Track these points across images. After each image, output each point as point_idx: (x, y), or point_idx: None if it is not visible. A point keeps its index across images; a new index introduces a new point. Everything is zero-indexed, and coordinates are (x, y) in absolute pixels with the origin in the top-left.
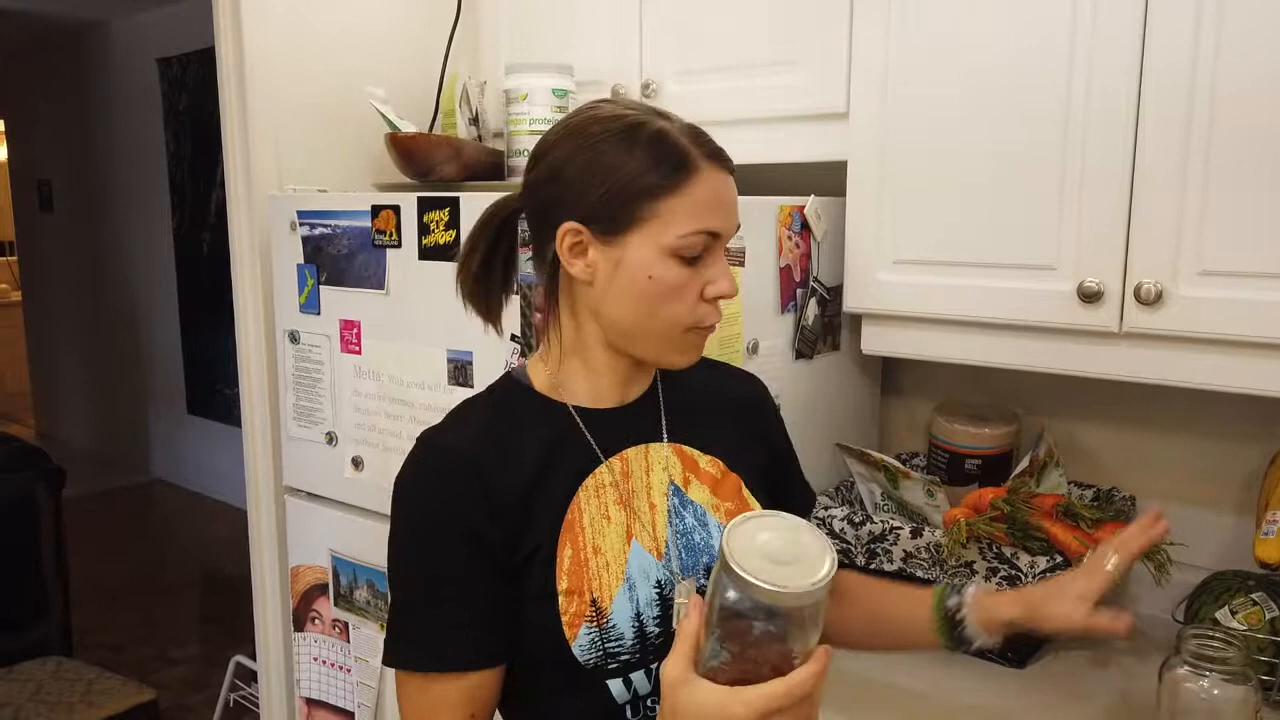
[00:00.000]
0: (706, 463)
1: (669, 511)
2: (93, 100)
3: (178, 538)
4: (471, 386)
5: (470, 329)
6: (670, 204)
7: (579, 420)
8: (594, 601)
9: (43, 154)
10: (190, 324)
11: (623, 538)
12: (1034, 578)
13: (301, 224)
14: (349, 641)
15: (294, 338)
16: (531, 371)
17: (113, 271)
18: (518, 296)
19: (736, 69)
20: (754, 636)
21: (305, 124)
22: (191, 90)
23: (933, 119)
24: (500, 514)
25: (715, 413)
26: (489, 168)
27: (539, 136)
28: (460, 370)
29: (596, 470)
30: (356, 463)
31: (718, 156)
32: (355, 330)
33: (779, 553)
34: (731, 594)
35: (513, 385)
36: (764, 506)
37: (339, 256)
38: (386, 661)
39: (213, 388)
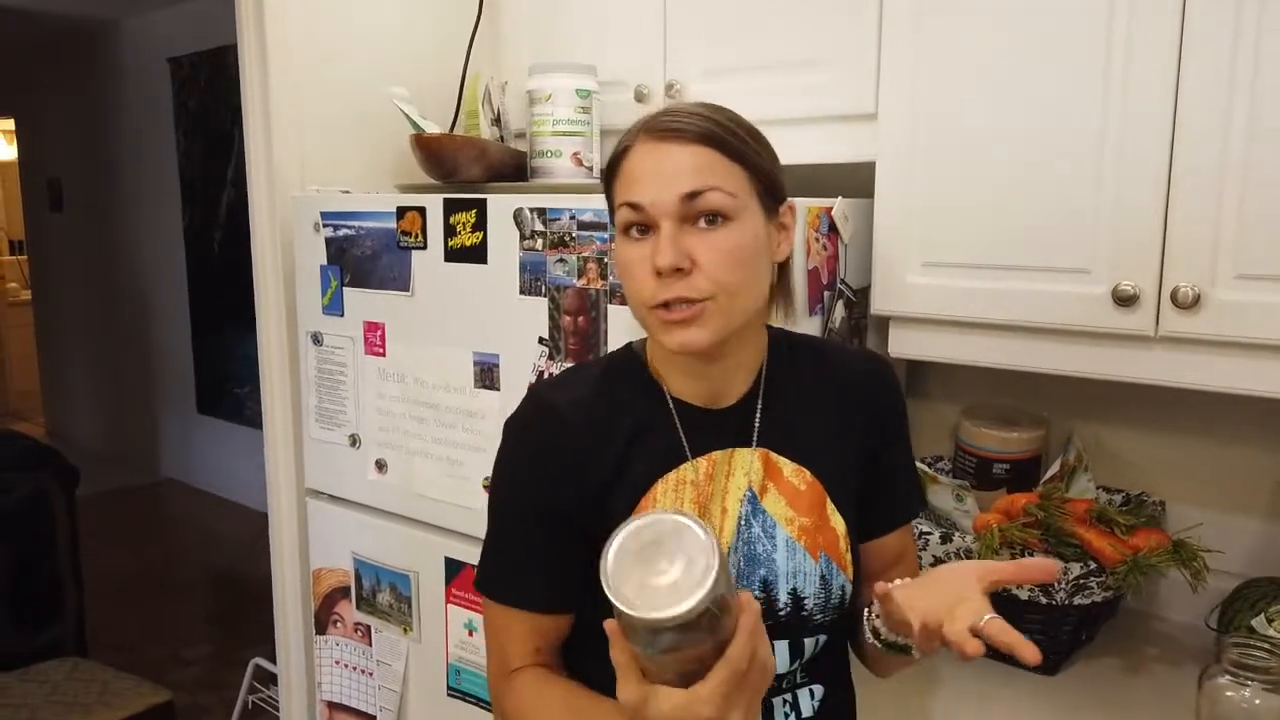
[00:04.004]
0: (791, 472)
1: (739, 518)
2: (103, 99)
3: (187, 537)
4: (498, 389)
5: (497, 331)
6: (616, 185)
7: (675, 411)
8: None
9: (53, 153)
10: (201, 323)
11: None
12: (1068, 584)
13: (325, 225)
14: (371, 645)
15: (317, 339)
16: (648, 347)
17: (123, 271)
18: (546, 299)
19: (763, 69)
20: (674, 644)
21: (327, 124)
22: (202, 90)
23: (964, 119)
24: (584, 480)
25: (818, 413)
26: (512, 169)
27: (562, 137)
28: (487, 373)
29: (680, 466)
30: (380, 465)
31: (657, 129)
32: (379, 332)
33: (656, 562)
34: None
35: (629, 358)
36: (849, 521)
37: (363, 258)
38: (475, 583)
39: (223, 387)
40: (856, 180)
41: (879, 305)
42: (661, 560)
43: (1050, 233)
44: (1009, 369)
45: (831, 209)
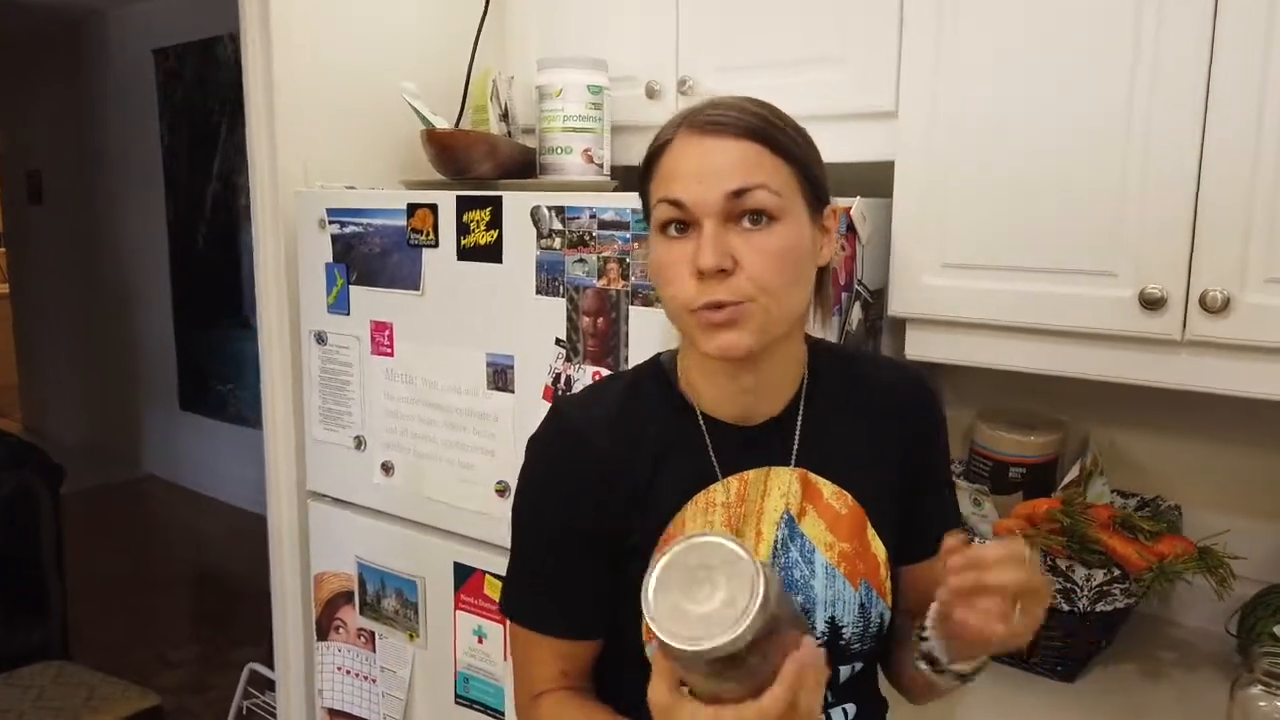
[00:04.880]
0: (831, 494)
1: (775, 542)
2: (87, 91)
3: (171, 536)
4: (512, 392)
5: (511, 332)
6: (654, 181)
7: (705, 429)
8: None
9: (33, 145)
10: (184, 319)
11: None
12: (1090, 591)
13: (331, 222)
14: (375, 651)
15: (321, 338)
16: (678, 361)
17: (104, 264)
18: (564, 299)
19: (780, 65)
20: (703, 671)
21: (330, 119)
22: (188, 82)
23: (986, 117)
24: (609, 502)
25: (858, 431)
26: (521, 165)
27: (573, 133)
28: (500, 374)
29: (711, 487)
30: (386, 468)
31: (700, 124)
32: (387, 332)
33: (700, 587)
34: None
35: (657, 371)
36: (889, 546)
37: (371, 256)
38: (500, 608)
39: (206, 384)
40: (874, 180)
41: (896, 307)
42: (705, 586)
43: (1075, 234)
44: (1027, 372)
45: (850, 209)
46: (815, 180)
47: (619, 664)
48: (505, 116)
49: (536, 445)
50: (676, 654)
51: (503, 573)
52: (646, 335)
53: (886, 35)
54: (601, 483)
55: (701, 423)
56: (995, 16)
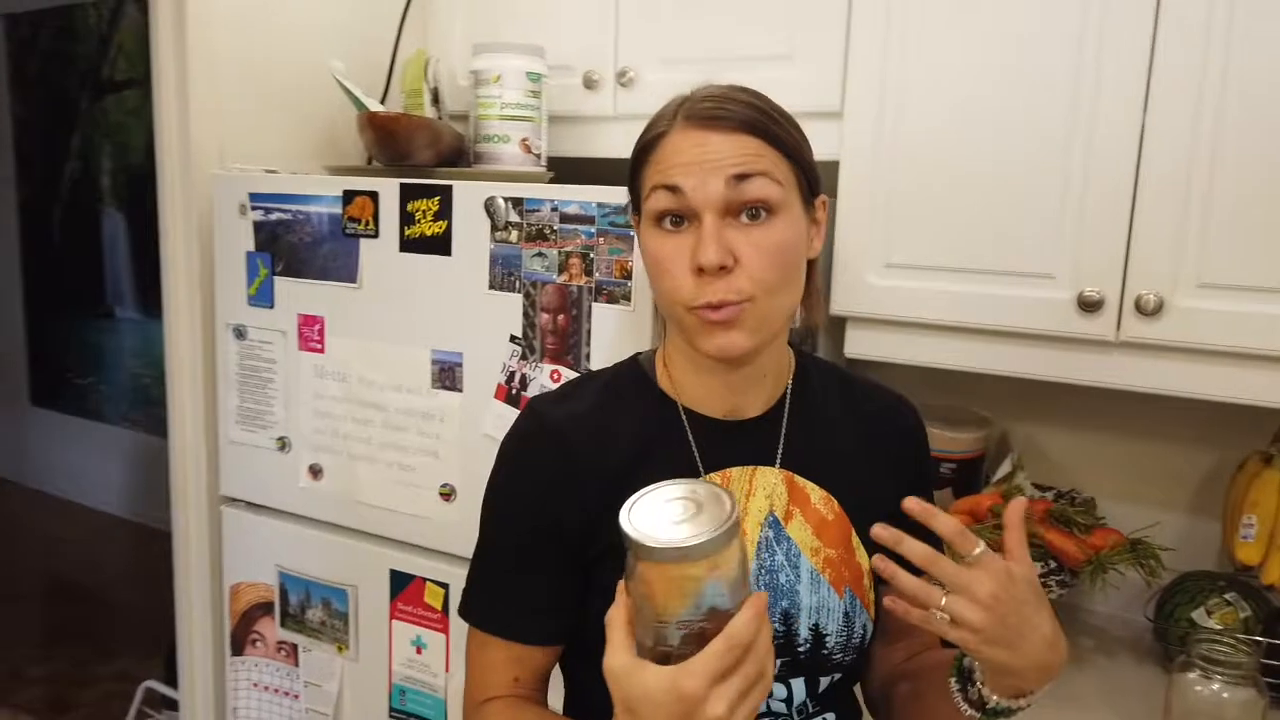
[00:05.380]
0: (819, 499)
1: (759, 544)
2: None
3: (22, 543)
4: (460, 390)
5: (460, 328)
6: (648, 171)
7: (686, 423)
8: None
9: None
10: (37, 307)
11: None
12: None
13: (254, 208)
14: (298, 665)
15: (240, 333)
16: (657, 359)
17: None
18: (520, 295)
19: (725, 61)
20: (683, 606)
21: (248, 97)
22: (44, 53)
23: (932, 121)
24: (583, 502)
25: (849, 441)
26: (458, 153)
27: (510, 121)
28: (447, 372)
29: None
30: (315, 471)
31: (699, 115)
32: (317, 326)
33: (672, 516)
34: (648, 571)
35: (634, 369)
36: (872, 555)
37: (299, 245)
38: (458, 609)
39: (63, 377)
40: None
41: (838, 305)
42: (682, 509)
43: (1016, 238)
44: (967, 371)
45: None
46: (810, 172)
47: (588, 669)
48: (437, 101)
49: (511, 443)
50: (661, 555)
51: (446, 580)
52: (610, 333)
53: (834, 36)
54: (578, 479)
55: (683, 417)
56: (942, 22)
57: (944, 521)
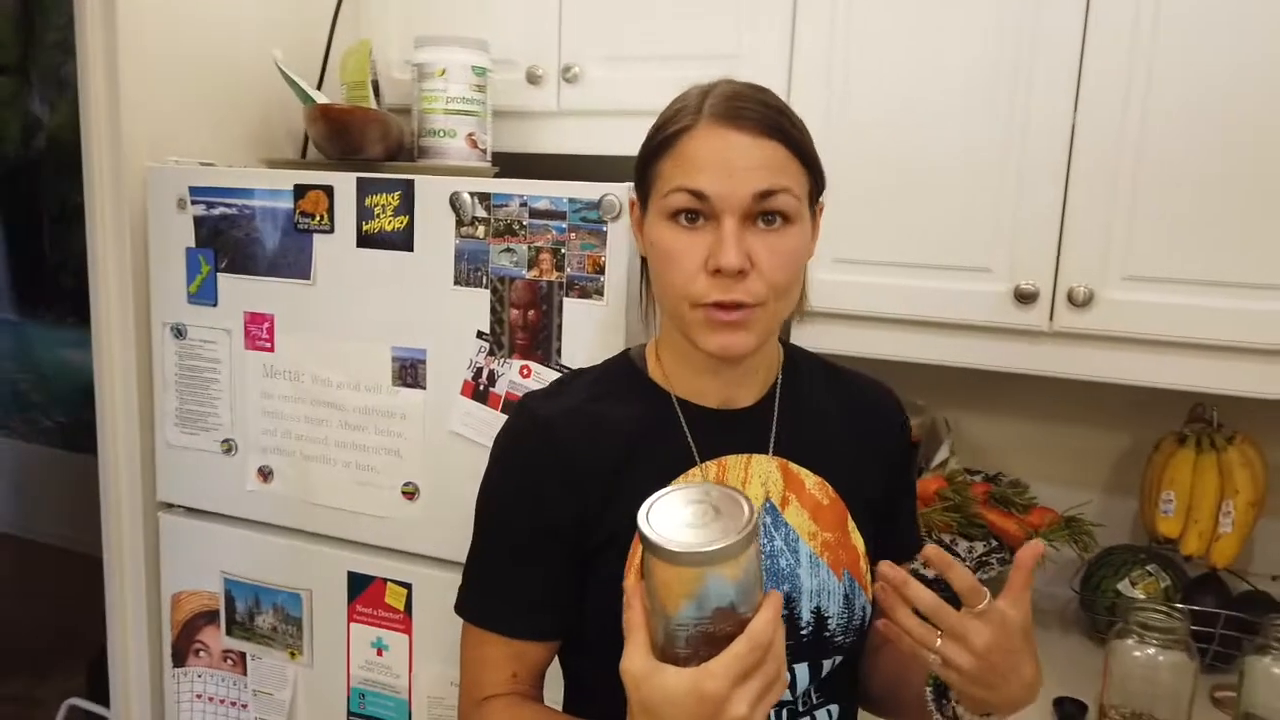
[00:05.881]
0: (813, 485)
1: None
2: None
3: None
4: (423, 387)
5: (424, 324)
6: (665, 164)
7: (680, 414)
8: None
9: None
10: None
11: None
12: (972, 562)
13: (195, 202)
14: (245, 674)
15: (179, 332)
16: (647, 352)
17: None
18: (487, 290)
19: (671, 59)
20: (702, 609)
21: (175, 88)
22: None
23: (875, 121)
24: (580, 494)
25: (837, 430)
26: (402, 147)
27: (456, 116)
28: (409, 370)
29: (689, 471)
30: (264, 473)
31: (725, 114)
32: (266, 324)
33: (691, 519)
34: (666, 574)
35: (625, 362)
36: (869, 543)
37: (246, 241)
38: (454, 606)
39: None
40: None
41: None
42: (701, 513)
43: (956, 234)
44: (908, 362)
45: None
46: (820, 178)
47: (588, 664)
48: (377, 93)
49: (504, 441)
50: (681, 559)
51: (409, 580)
52: (583, 328)
53: (780, 35)
54: (573, 473)
55: (678, 407)
56: (885, 25)
57: (960, 575)
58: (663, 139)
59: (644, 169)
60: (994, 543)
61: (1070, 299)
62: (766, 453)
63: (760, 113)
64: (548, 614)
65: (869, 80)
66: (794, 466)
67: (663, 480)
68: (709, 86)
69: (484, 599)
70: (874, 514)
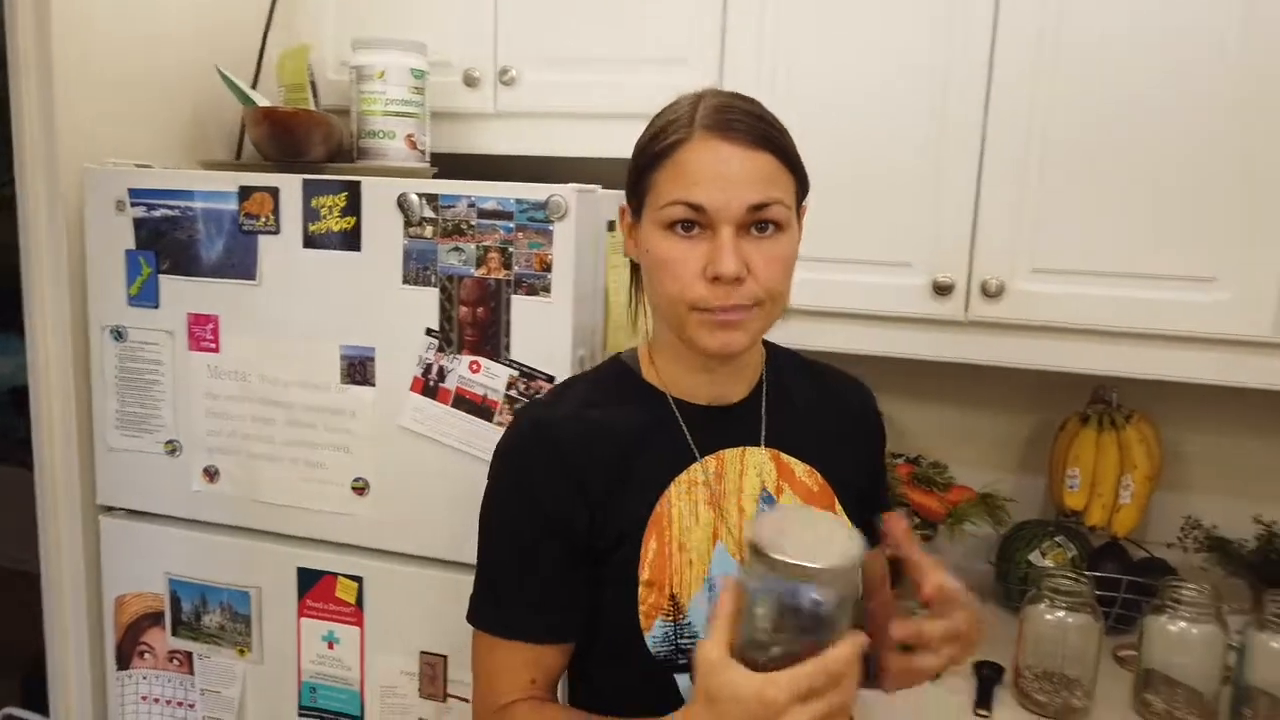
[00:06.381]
0: (803, 473)
1: (756, 517)
2: None
3: None
4: (373, 384)
5: (373, 323)
6: (660, 175)
7: (677, 413)
8: (673, 597)
9: None
10: None
11: (708, 538)
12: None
13: (135, 204)
14: (192, 674)
15: (119, 334)
16: (640, 356)
17: None
18: (436, 289)
19: (608, 62)
20: (788, 623)
21: (116, 87)
22: None
23: (802, 126)
24: (586, 496)
25: (821, 421)
26: (342, 149)
27: (395, 118)
28: (358, 367)
29: (690, 467)
30: (210, 473)
31: (718, 126)
32: (210, 325)
33: (803, 539)
34: (767, 581)
35: (618, 366)
36: (855, 524)
37: (189, 242)
38: (467, 617)
39: None
40: None
41: None
42: (808, 531)
43: (878, 230)
44: (835, 352)
45: None
46: (804, 181)
47: (598, 662)
48: (315, 96)
49: (506, 449)
50: (789, 570)
51: (359, 573)
52: (530, 324)
53: (711, 39)
54: (576, 476)
55: (674, 406)
56: (811, 24)
57: (918, 555)
58: (657, 151)
59: (638, 179)
60: (917, 519)
61: (984, 291)
62: (759, 444)
63: (750, 124)
64: (563, 616)
65: (798, 83)
66: (785, 456)
67: (665, 477)
68: (697, 97)
69: (498, 607)
70: (858, 498)
